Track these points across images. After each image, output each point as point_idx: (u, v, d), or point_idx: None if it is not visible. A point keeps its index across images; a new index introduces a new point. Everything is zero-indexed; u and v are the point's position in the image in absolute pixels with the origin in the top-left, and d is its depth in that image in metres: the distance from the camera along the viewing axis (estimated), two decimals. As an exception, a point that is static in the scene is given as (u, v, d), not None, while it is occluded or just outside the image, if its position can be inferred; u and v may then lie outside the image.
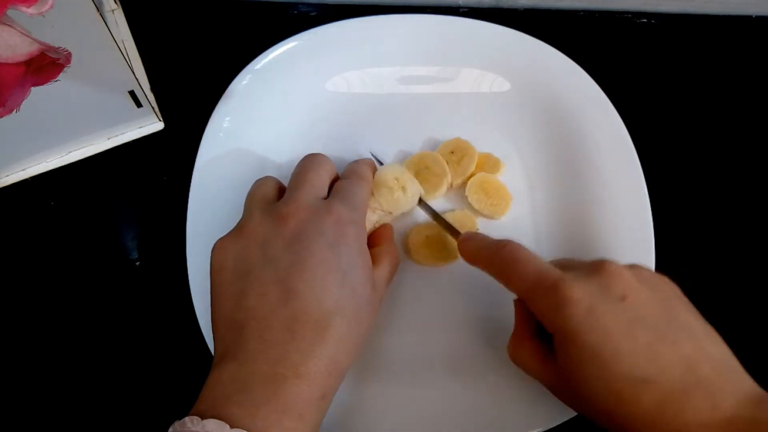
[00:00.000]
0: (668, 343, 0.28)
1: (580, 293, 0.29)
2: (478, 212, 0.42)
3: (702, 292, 0.43)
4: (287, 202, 0.32)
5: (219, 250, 0.31)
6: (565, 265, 0.32)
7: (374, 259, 0.34)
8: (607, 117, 0.45)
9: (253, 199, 0.34)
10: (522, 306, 0.34)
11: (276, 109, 0.45)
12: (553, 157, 0.44)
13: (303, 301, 0.28)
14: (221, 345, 0.29)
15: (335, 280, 0.29)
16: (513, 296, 0.34)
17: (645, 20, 0.53)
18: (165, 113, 0.47)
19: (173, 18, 0.53)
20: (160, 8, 0.52)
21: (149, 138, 0.47)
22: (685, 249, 0.44)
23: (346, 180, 0.36)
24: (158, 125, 0.47)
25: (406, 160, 0.43)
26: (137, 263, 0.43)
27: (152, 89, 0.48)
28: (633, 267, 0.32)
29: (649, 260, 0.40)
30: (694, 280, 0.43)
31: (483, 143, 0.44)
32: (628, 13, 0.54)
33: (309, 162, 0.36)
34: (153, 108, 0.46)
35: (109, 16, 0.49)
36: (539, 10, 0.53)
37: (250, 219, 0.32)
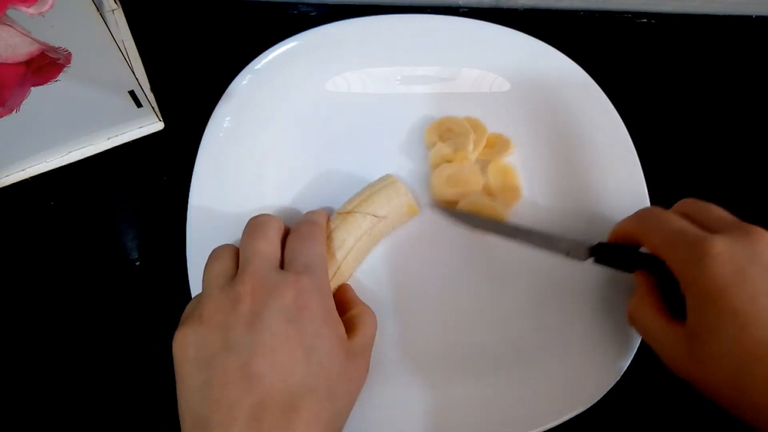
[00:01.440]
0: None
1: (728, 252, 0.28)
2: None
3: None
4: (242, 281, 0.30)
5: (179, 341, 0.30)
6: (717, 228, 0.31)
7: (350, 325, 0.33)
8: (607, 117, 0.45)
9: (210, 275, 0.32)
10: (646, 274, 0.34)
11: (276, 109, 0.45)
12: (552, 157, 0.45)
13: (268, 385, 0.27)
14: None
15: (300, 357, 0.28)
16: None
17: (645, 20, 0.53)
18: (165, 113, 0.47)
19: (173, 18, 0.53)
20: (161, 8, 0.52)
21: (149, 138, 0.47)
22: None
23: (297, 235, 0.34)
24: (158, 125, 0.47)
25: (426, 126, 0.44)
26: (137, 263, 0.43)
27: (152, 89, 0.48)
28: None
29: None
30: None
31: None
32: (628, 13, 0.54)
33: (254, 229, 0.33)
34: (153, 108, 0.46)
35: (109, 16, 0.49)
36: (539, 10, 0.53)
37: (208, 301, 0.30)
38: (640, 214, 0.35)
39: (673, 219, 0.33)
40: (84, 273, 0.43)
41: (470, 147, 0.43)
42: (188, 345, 0.29)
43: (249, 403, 0.27)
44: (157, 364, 0.40)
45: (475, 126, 0.44)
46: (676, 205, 0.35)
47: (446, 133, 0.44)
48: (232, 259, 0.33)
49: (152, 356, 0.40)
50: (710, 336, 0.28)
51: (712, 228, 0.31)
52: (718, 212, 0.33)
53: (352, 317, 0.34)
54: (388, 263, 0.41)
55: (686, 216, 0.33)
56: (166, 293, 0.41)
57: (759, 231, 0.30)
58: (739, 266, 0.28)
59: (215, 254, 0.33)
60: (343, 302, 0.36)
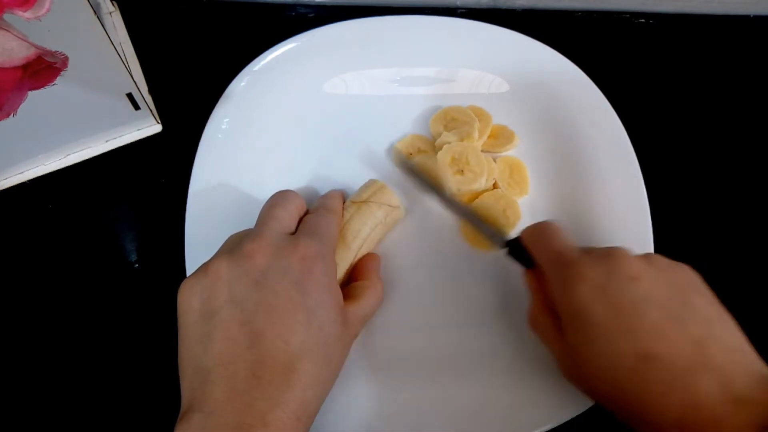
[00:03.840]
0: (677, 322, 0.28)
1: (592, 272, 0.30)
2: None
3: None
4: (253, 239, 0.31)
5: (185, 291, 0.30)
6: (589, 251, 0.33)
7: (354, 294, 0.34)
8: (605, 117, 0.45)
9: (225, 243, 0.33)
10: (536, 278, 0.35)
11: (274, 111, 0.45)
12: (551, 157, 0.44)
13: (269, 343, 0.28)
14: (188, 392, 0.28)
15: (302, 320, 0.29)
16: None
17: (643, 20, 0.53)
18: (163, 116, 0.47)
19: (171, 20, 0.53)
20: (158, 10, 0.52)
21: (147, 140, 0.47)
22: (683, 247, 0.44)
23: (314, 214, 0.35)
24: (156, 127, 0.47)
25: (431, 117, 0.45)
26: (136, 265, 0.43)
27: (150, 91, 0.48)
28: (649, 255, 0.32)
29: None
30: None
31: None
32: (626, 13, 0.54)
33: (277, 198, 0.35)
34: (151, 110, 0.46)
35: (106, 19, 0.49)
36: (537, 11, 0.53)
37: (218, 257, 0.31)
38: (533, 229, 0.35)
39: (555, 238, 0.34)
40: (83, 276, 0.43)
41: (475, 135, 0.43)
42: (194, 296, 0.30)
43: (250, 360, 0.27)
44: (157, 365, 0.40)
45: (480, 114, 0.45)
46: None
47: (451, 123, 0.44)
48: (247, 233, 0.34)
49: (151, 357, 0.40)
50: (586, 353, 0.30)
51: (585, 254, 0.32)
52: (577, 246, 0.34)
53: (360, 286, 0.35)
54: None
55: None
56: (164, 295, 0.41)
57: (617, 250, 0.31)
58: (601, 284, 0.29)
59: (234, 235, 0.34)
60: (364, 270, 0.37)
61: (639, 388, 0.28)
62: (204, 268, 0.31)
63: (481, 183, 0.41)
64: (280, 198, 0.35)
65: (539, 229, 0.35)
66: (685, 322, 0.28)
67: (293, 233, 0.34)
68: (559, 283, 0.31)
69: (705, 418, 0.26)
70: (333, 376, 0.31)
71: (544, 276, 0.33)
